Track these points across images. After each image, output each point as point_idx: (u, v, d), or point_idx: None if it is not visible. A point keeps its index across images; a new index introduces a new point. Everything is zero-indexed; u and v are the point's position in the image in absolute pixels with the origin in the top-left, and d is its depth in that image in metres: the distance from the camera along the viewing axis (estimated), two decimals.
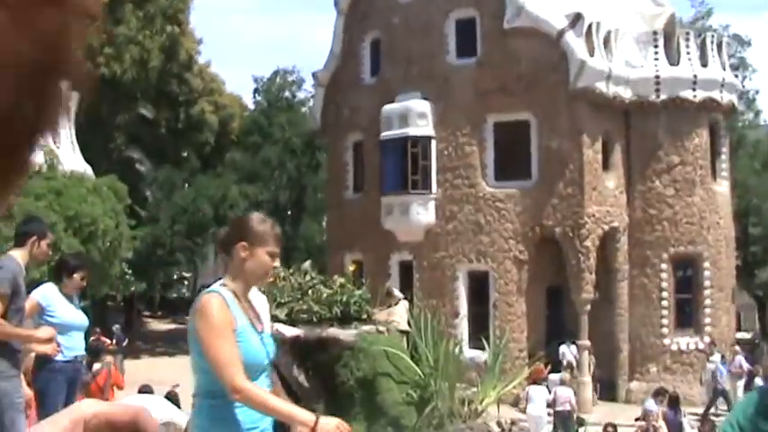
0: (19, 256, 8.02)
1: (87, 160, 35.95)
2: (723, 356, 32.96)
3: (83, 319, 10.02)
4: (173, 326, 60.02)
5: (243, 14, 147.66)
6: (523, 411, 26.14)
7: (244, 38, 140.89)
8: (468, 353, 26.71)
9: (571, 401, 25.69)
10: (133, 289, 46.61)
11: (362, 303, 17.59)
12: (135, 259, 40.77)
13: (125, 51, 46.86)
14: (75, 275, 9.87)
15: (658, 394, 24.23)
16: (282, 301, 16.22)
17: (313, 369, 15.42)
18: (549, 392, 25.75)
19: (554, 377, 28.45)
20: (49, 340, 7.87)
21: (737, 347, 34.18)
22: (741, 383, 32.27)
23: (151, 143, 53.65)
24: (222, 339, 4.83)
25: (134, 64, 47.13)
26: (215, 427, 4.94)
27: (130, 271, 42.65)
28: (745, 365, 33.03)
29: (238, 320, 4.89)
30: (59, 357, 9.40)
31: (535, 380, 26.53)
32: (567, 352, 33.04)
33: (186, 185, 54.85)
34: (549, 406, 25.24)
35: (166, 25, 48.69)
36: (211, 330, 4.84)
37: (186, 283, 76.64)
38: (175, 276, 66.36)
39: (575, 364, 32.37)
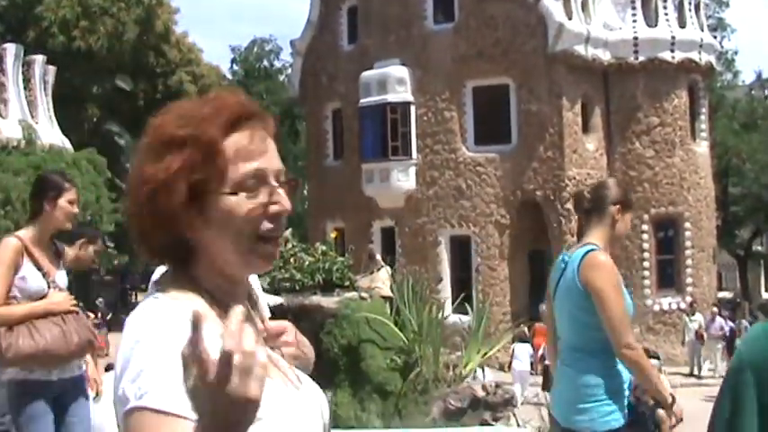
0: (67, 251, 7.65)
1: (65, 134, 35.82)
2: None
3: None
4: None
5: None
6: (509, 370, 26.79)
7: (220, 7, 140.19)
8: (452, 317, 26.76)
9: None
10: (116, 262, 46.52)
11: (345, 270, 17.57)
12: (117, 232, 40.65)
13: (100, 24, 46.57)
14: (59, 201, 9.72)
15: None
16: None
17: None
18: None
19: None
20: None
21: (715, 309, 34.25)
22: (720, 346, 32.43)
23: (129, 115, 53.43)
24: (618, 296, 5.13)
25: (109, 36, 46.84)
26: (605, 380, 5.12)
27: (112, 244, 42.58)
28: (726, 327, 33.20)
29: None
30: None
31: (522, 338, 26.98)
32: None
33: None
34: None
35: None
36: (612, 287, 5.13)
37: None
38: None
39: None
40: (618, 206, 5.42)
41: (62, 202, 6.17)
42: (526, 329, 29.06)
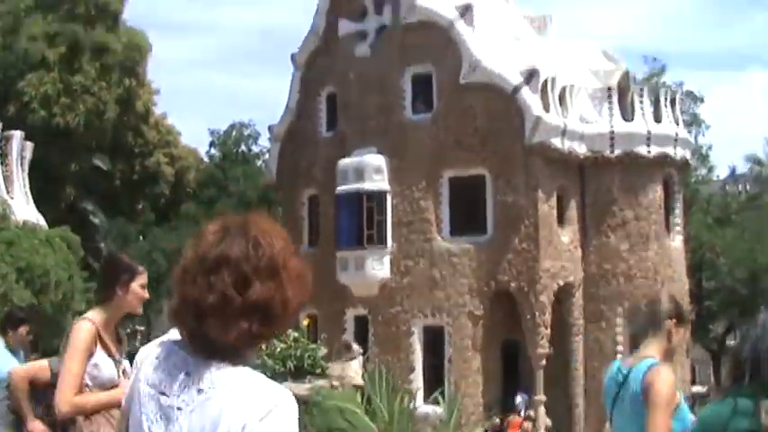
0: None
1: (40, 211, 35.61)
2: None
3: None
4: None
5: (199, 67, 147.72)
6: None
7: (200, 91, 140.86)
8: (424, 408, 26.58)
9: None
10: None
11: (317, 358, 17.49)
12: (88, 311, 40.32)
13: (80, 101, 46.62)
14: (20, 329, 9.65)
15: None
16: None
17: None
18: None
19: None
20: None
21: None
22: None
23: (105, 195, 53.27)
24: (665, 416, 5.29)
25: (89, 114, 46.86)
26: None
27: None
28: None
29: None
30: None
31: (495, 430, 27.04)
32: (521, 400, 33.17)
33: (141, 238, 54.48)
34: None
35: (123, 77, 48.53)
36: (665, 405, 5.36)
37: (139, 336, 75.92)
38: (129, 330, 65.72)
39: (523, 410, 32.52)
40: (674, 320, 5.59)
41: (135, 286, 6.01)
42: (498, 421, 28.97)
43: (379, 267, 35.36)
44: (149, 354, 2.78)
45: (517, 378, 35.01)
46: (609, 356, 35.32)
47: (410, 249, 35.35)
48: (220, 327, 2.57)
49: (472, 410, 32.36)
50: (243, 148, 62.94)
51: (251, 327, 2.58)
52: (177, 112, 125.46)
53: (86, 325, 5.80)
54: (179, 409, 2.61)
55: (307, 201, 39.22)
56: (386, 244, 35.58)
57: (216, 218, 2.88)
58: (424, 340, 35.00)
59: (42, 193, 39.35)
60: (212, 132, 63.48)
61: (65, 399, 5.64)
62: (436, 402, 25.49)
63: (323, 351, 18.12)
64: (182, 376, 2.62)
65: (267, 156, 49.27)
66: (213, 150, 62.87)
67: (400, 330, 34.76)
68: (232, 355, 2.59)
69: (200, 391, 2.59)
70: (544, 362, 33.65)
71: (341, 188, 35.91)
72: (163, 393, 2.64)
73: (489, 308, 34.32)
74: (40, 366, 7.25)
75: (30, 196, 35.53)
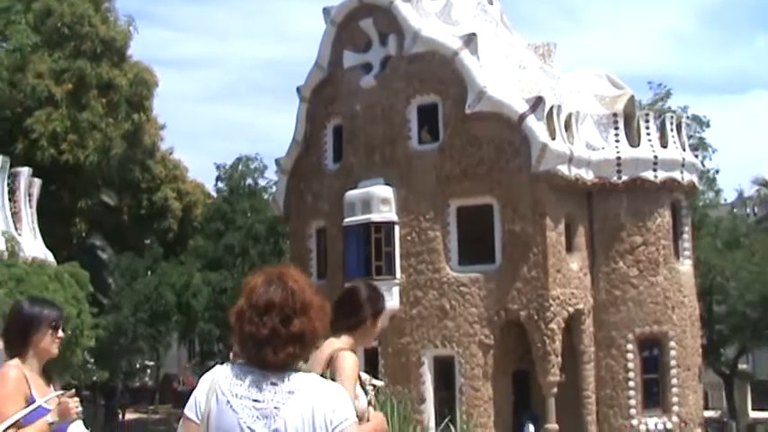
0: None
1: (49, 247, 35.65)
2: None
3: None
4: (135, 415, 59.29)
5: (204, 102, 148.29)
6: None
7: (206, 124, 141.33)
8: None
9: None
10: (95, 378, 46.06)
11: None
12: (97, 347, 40.32)
13: (88, 138, 46.76)
14: None
15: None
16: None
17: None
18: None
19: None
20: None
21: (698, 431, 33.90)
22: None
23: (113, 230, 53.41)
24: None
25: (97, 150, 46.98)
26: None
27: (93, 360, 42.19)
28: None
29: None
30: None
31: None
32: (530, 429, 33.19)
33: (149, 273, 54.51)
34: None
35: (130, 112, 48.68)
36: None
37: (149, 371, 75.80)
38: (138, 365, 65.67)
39: None
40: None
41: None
42: None
43: (388, 298, 35.19)
44: (221, 376, 3.81)
45: (529, 407, 34.89)
46: (620, 383, 35.27)
47: (419, 280, 35.31)
48: (272, 352, 3.76)
49: None
50: (249, 181, 62.93)
51: (294, 350, 3.79)
52: (183, 146, 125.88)
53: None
54: (276, 408, 3.70)
55: (314, 233, 39.21)
56: (394, 275, 35.53)
57: (257, 270, 4.01)
58: (434, 370, 34.92)
59: (51, 229, 39.43)
60: (218, 167, 63.54)
61: None
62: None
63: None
64: (268, 385, 3.74)
65: (274, 189, 49.31)
66: (220, 184, 62.90)
67: (410, 361, 34.66)
68: (288, 369, 3.79)
69: (290, 392, 3.73)
70: (555, 390, 33.52)
71: (348, 219, 35.92)
72: (255, 400, 3.71)
73: (499, 337, 34.24)
74: None
75: (38, 232, 35.58)
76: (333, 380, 5.24)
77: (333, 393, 3.78)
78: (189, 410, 3.83)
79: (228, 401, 3.73)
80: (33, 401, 5.75)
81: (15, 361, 5.86)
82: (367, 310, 6.00)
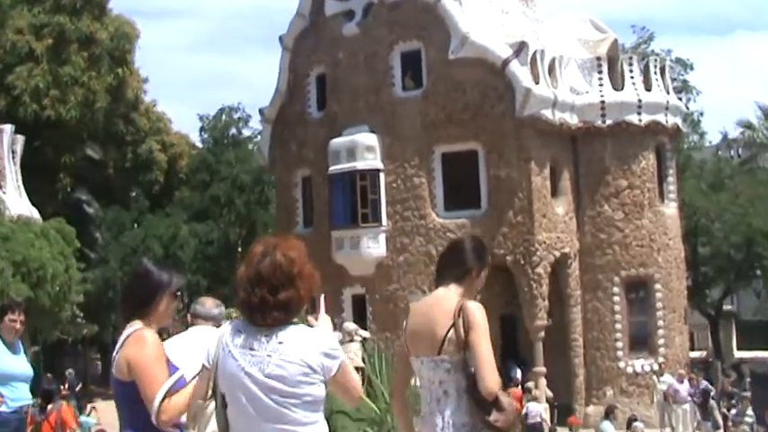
0: None
1: (34, 204, 35.61)
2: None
3: (26, 369, 9.77)
4: None
5: (186, 52, 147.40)
6: None
7: (189, 75, 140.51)
8: None
9: (542, 415, 29.80)
10: (85, 332, 46.12)
11: None
12: (86, 302, 40.34)
13: (71, 93, 46.50)
14: (5, 318, 9.58)
15: (610, 412, 25.26)
16: None
17: None
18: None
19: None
20: None
21: (682, 372, 34.06)
22: (687, 407, 32.19)
23: (99, 184, 53.23)
24: None
25: (80, 105, 46.75)
26: None
27: (81, 314, 42.20)
28: (693, 390, 32.98)
29: None
30: (3, 409, 9.23)
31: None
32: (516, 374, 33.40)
33: (135, 226, 54.39)
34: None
35: (112, 66, 48.39)
36: None
37: None
38: None
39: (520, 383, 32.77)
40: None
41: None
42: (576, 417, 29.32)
43: (374, 246, 35.38)
44: (228, 330, 4.57)
45: (516, 351, 35.11)
46: (607, 326, 35.52)
47: (405, 226, 35.38)
48: (261, 317, 4.45)
49: None
50: (234, 131, 62.66)
51: (280, 315, 4.45)
52: (166, 98, 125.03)
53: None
54: (269, 356, 4.41)
55: (300, 182, 39.20)
56: (381, 222, 35.61)
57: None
58: None
59: (36, 185, 39.37)
60: (202, 117, 63.20)
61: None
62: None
63: None
64: (263, 338, 4.44)
65: (259, 138, 49.19)
66: (204, 135, 62.62)
67: (398, 308, 34.72)
68: (275, 326, 4.46)
69: (280, 342, 4.42)
70: (543, 334, 33.76)
71: (334, 168, 35.92)
72: (252, 349, 4.44)
73: (486, 282, 34.28)
74: None
75: (22, 190, 35.51)
76: (466, 332, 5.41)
77: (318, 340, 4.49)
78: (204, 359, 4.62)
79: (230, 351, 4.48)
80: (173, 367, 5.58)
81: (140, 323, 5.65)
82: (471, 262, 5.91)
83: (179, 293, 5.89)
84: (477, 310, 5.50)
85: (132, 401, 5.33)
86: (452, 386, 5.49)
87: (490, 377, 5.35)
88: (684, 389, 32.34)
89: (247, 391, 4.43)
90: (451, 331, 5.46)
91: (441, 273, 5.94)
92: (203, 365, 4.66)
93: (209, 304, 7.79)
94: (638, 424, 27.17)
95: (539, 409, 29.67)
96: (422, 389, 5.72)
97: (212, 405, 4.63)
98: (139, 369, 5.30)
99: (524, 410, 28.23)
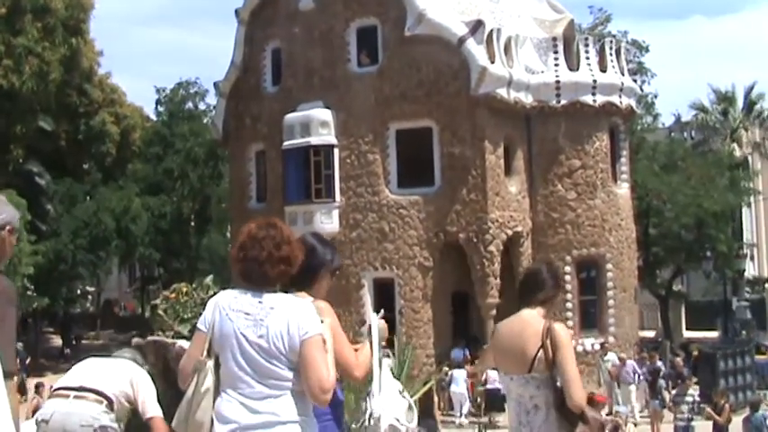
0: None
1: None
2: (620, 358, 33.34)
3: None
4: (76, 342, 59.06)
5: (144, 25, 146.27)
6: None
7: (145, 48, 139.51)
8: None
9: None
10: (35, 305, 45.80)
11: None
12: (37, 275, 40.06)
13: (24, 63, 46.03)
14: None
15: None
16: (186, 316, 15.94)
17: None
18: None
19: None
20: None
21: (623, 355, 34.17)
22: (633, 388, 32.38)
23: (51, 156, 52.72)
24: None
25: (33, 75, 46.28)
26: None
27: (32, 287, 41.91)
28: (639, 370, 33.16)
29: None
30: None
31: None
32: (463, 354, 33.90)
33: (88, 198, 54.01)
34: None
35: (67, 36, 47.90)
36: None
37: (90, 297, 75.49)
38: (79, 291, 65.34)
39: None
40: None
41: None
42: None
43: (327, 221, 35.33)
44: (223, 297, 5.08)
45: (468, 328, 35.26)
46: (558, 305, 35.67)
47: (358, 202, 35.38)
48: (270, 267, 5.01)
49: (424, 361, 32.59)
50: (190, 105, 62.38)
51: (284, 267, 5.05)
52: (122, 70, 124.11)
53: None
54: (261, 319, 4.90)
55: (254, 156, 39.07)
56: (334, 198, 35.58)
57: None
58: (374, 292, 35.12)
59: None
60: (158, 90, 62.91)
61: None
62: (387, 355, 25.69)
63: None
64: (257, 302, 4.96)
65: (214, 113, 49.00)
66: (160, 108, 62.28)
67: (350, 283, 34.79)
68: (272, 287, 5.03)
69: (271, 308, 4.93)
70: (494, 311, 33.85)
71: (287, 143, 35.81)
72: (247, 313, 4.93)
73: (439, 259, 34.48)
74: None
75: None
76: (554, 352, 6.10)
77: (303, 310, 4.96)
78: (200, 324, 5.11)
79: (227, 314, 4.99)
80: None
81: (306, 295, 5.73)
82: (551, 289, 6.52)
83: (337, 272, 6.15)
84: (563, 332, 6.19)
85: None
86: (542, 400, 6.12)
87: (577, 394, 6.00)
88: (630, 369, 32.49)
89: (242, 351, 4.92)
90: (541, 351, 6.11)
91: (524, 296, 6.51)
92: (197, 329, 5.13)
93: None
94: (622, 409, 27.77)
95: (496, 377, 30.65)
96: (510, 401, 6.39)
97: (210, 362, 5.04)
98: (335, 335, 5.46)
99: (484, 377, 30.71)
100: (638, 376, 32.70)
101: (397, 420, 5.51)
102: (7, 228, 5.59)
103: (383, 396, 5.65)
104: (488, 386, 30.60)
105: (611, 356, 33.36)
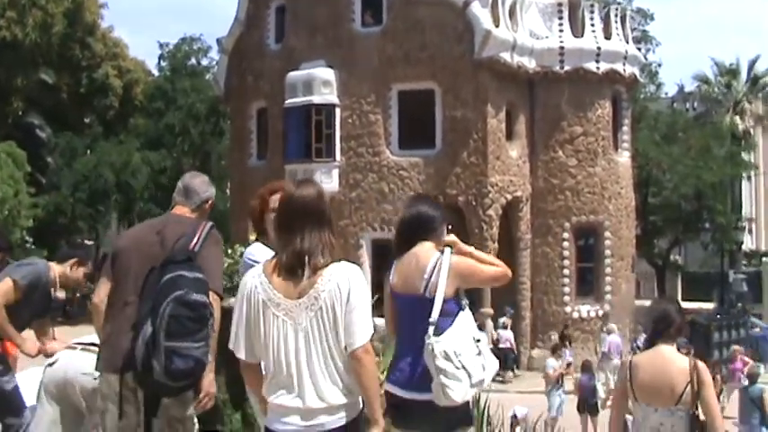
0: (56, 268, 8.39)
1: None
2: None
3: None
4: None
5: None
6: None
7: (149, 3, 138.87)
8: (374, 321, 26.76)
9: (511, 341, 33.68)
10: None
11: None
12: (36, 227, 40.09)
13: (28, 15, 45.92)
14: None
15: (555, 350, 26.11)
16: None
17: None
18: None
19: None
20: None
21: (611, 326, 33.77)
22: (616, 362, 32.17)
23: (52, 109, 52.68)
24: None
25: (36, 27, 46.18)
26: None
27: (31, 239, 41.98)
28: (621, 346, 32.94)
29: None
30: None
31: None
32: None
33: (88, 152, 53.99)
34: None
35: None
36: None
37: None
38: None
39: None
40: None
41: None
42: None
43: (327, 181, 35.22)
44: (255, 271, 5.02)
45: (464, 291, 35.24)
46: (555, 271, 35.79)
47: (359, 163, 35.33)
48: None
49: None
50: (192, 61, 62.22)
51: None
52: (125, 25, 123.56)
53: None
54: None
55: (255, 114, 38.98)
56: (334, 157, 35.52)
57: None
58: (372, 253, 35.15)
59: None
60: (162, 46, 62.73)
61: None
62: (382, 315, 25.75)
63: None
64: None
65: (216, 69, 48.85)
66: (162, 63, 62.13)
67: (349, 243, 34.74)
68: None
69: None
70: None
71: (289, 101, 35.70)
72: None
73: None
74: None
75: None
76: (699, 388, 6.82)
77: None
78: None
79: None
80: None
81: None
82: (679, 324, 7.19)
83: (450, 227, 6.17)
84: (707, 372, 6.93)
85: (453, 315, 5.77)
86: (683, 429, 6.87)
87: (720, 427, 6.88)
88: (614, 345, 32.00)
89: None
90: (689, 387, 6.82)
91: (661, 333, 7.13)
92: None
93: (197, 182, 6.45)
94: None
95: (508, 336, 33.58)
96: (644, 429, 7.05)
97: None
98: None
99: (495, 336, 32.49)
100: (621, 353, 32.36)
101: (455, 353, 5.45)
102: (210, 202, 6.43)
103: (453, 330, 5.60)
104: (500, 345, 32.26)
105: (614, 337, 32.33)
